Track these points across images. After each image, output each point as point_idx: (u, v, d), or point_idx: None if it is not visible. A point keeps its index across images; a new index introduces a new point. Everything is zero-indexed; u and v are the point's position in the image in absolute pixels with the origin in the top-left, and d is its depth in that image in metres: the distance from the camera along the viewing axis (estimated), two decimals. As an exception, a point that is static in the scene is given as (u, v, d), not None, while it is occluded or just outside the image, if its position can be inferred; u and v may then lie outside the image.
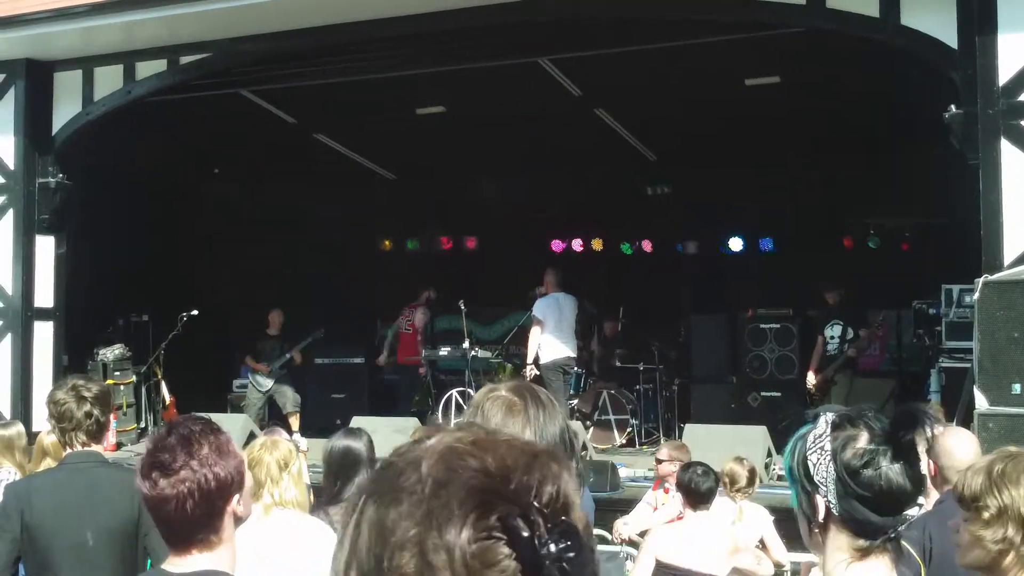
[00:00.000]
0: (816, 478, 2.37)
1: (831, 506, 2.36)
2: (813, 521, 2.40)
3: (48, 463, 6.46)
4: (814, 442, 2.39)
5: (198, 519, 2.81)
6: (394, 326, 16.41)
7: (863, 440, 2.36)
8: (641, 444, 13.75)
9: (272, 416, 14.77)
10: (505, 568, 1.03)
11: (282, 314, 15.29)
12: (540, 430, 2.41)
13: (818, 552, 2.44)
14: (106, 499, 4.51)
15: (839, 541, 2.37)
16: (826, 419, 2.41)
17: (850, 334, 12.70)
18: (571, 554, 1.04)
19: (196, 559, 2.84)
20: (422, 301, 16.29)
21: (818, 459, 2.38)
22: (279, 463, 4.78)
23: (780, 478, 10.90)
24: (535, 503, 1.06)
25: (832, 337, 12.83)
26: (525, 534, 1.03)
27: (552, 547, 1.03)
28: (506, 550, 1.03)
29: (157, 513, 2.84)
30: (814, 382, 12.75)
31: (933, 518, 4.31)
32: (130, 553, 4.48)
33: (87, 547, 4.40)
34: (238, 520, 2.95)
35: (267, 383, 14.84)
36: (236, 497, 2.90)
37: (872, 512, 2.33)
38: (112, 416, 12.49)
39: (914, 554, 4.01)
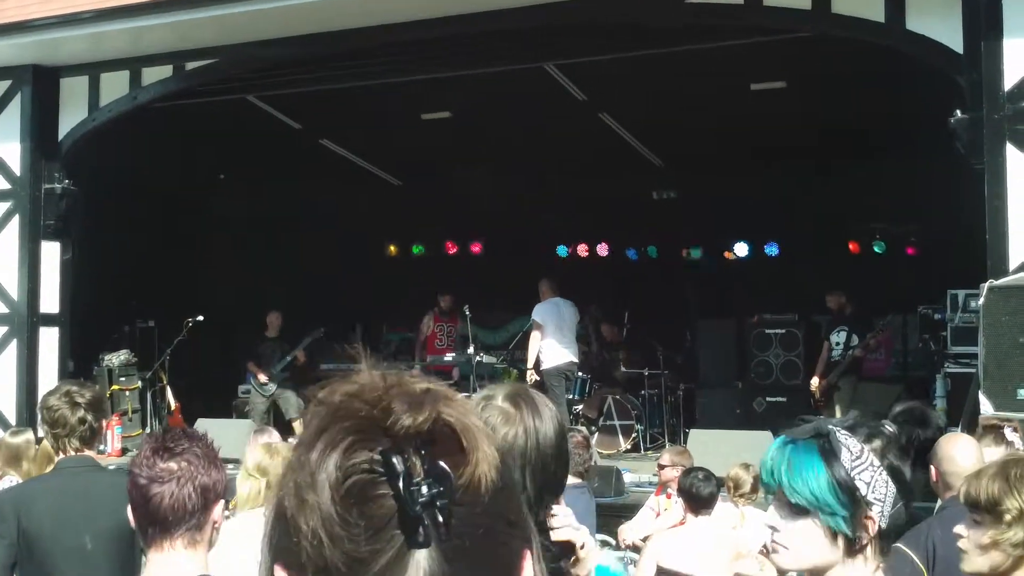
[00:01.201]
0: (871, 496, 2.36)
1: (881, 520, 2.38)
2: (860, 538, 2.37)
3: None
4: (855, 462, 2.37)
5: (191, 507, 2.84)
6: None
7: (891, 448, 2.40)
8: (646, 449, 13.74)
9: (276, 421, 14.76)
10: (382, 505, 1.00)
11: (280, 316, 15.25)
12: (536, 437, 2.39)
13: (837, 569, 2.41)
14: (103, 503, 4.51)
15: (869, 551, 2.40)
16: (848, 440, 2.40)
17: (855, 340, 12.69)
18: (443, 500, 0.99)
19: (180, 556, 2.84)
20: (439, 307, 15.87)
21: (872, 477, 2.37)
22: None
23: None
24: (415, 442, 1.02)
25: (837, 343, 12.83)
26: (399, 470, 1.00)
27: (424, 489, 0.99)
28: (385, 488, 1.00)
29: (149, 497, 2.85)
30: (817, 386, 12.75)
31: (936, 524, 4.29)
32: (128, 556, 4.48)
33: (86, 551, 4.40)
34: (216, 532, 2.97)
35: (270, 387, 14.84)
36: (221, 504, 2.96)
37: (906, 514, 2.40)
38: (107, 423, 12.55)
39: (917, 561, 4.01)
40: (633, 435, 13.79)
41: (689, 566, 6.44)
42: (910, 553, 4.14)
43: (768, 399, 13.95)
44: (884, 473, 2.39)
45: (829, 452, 2.39)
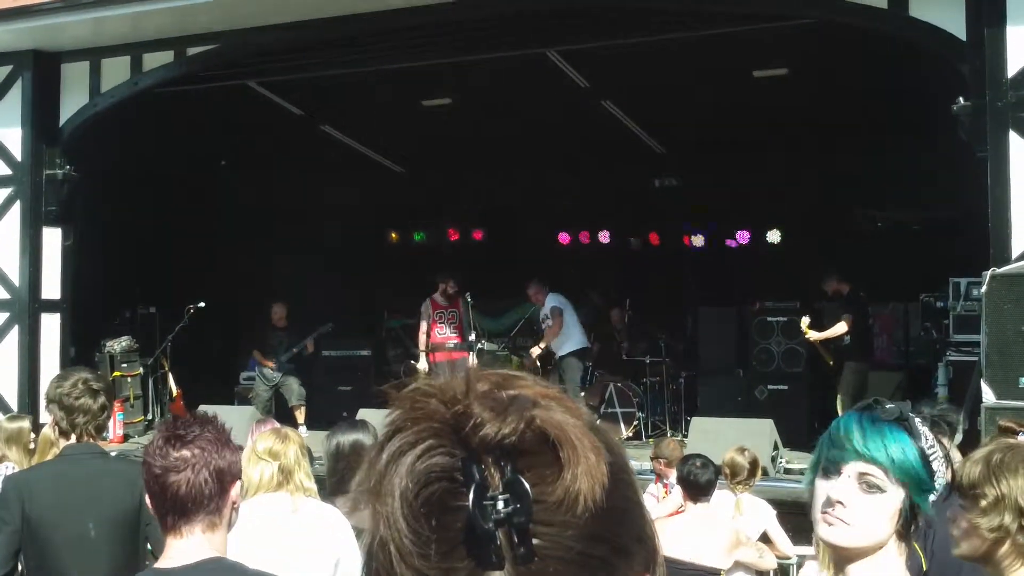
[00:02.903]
0: (937, 482, 2.43)
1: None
2: (919, 517, 2.43)
3: (55, 455, 6.46)
4: (930, 449, 2.42)
5: (208, 492, 2.87)
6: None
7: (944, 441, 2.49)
8: (648, 437, 13.74)
9: (279, 409, 14.79)
10: (458, 519, 0.91)
11: (285, 307, 15.24)
12: None
13: (880, 552, 2.44)
14: (107, 490, 4.53)
15: (909, 537, 2.46)
16: (923, 427, 2.45)
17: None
18: (521, 518, 0.89)
19: (198, 541, 2.86)
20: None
21: (939, 466, 2.43)
22: (300, 450, 4.88)
23: (787, 471, 10.91)
24: (496, 451, 0.92)
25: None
26: (476, 481, 0.90)
27: (500, 504, 0.89)
28: (464, 501, 0.90)
29: (166, 486, 2.87)
30: (807, 327, 12.91)
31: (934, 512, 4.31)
32: (131, 544, 4.50)
33: (89, 538, 4.41)
34: (234, 513, 2.99)
35: (274, 376, 14.85)
36: (238, 484, 2.98)
37: None
38: (117, 408, 12.57)
39: (916, 547, 4.01)
40: (635, 423, 13.80)
41: (688, 554, 6.45)
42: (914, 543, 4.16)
43: (770, 387, 13.94)
44: (944, 464, 2.45)
45: (913, 433, 2.42)
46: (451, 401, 0.95)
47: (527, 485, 0.90)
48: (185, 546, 2.87)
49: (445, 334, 14.42)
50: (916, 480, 2.38)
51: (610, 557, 0.95)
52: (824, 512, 2.45)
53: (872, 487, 2.39)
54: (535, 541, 0.90)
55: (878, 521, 2.40)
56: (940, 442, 2.49)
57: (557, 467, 0.93)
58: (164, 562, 2.92)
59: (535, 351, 13.81)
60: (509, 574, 0.90)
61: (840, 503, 2.41)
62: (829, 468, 2.45)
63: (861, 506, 2.40)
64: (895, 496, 2.39)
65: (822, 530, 2.47)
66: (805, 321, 12.88)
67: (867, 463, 2.38)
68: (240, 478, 3.03)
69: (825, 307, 13.85)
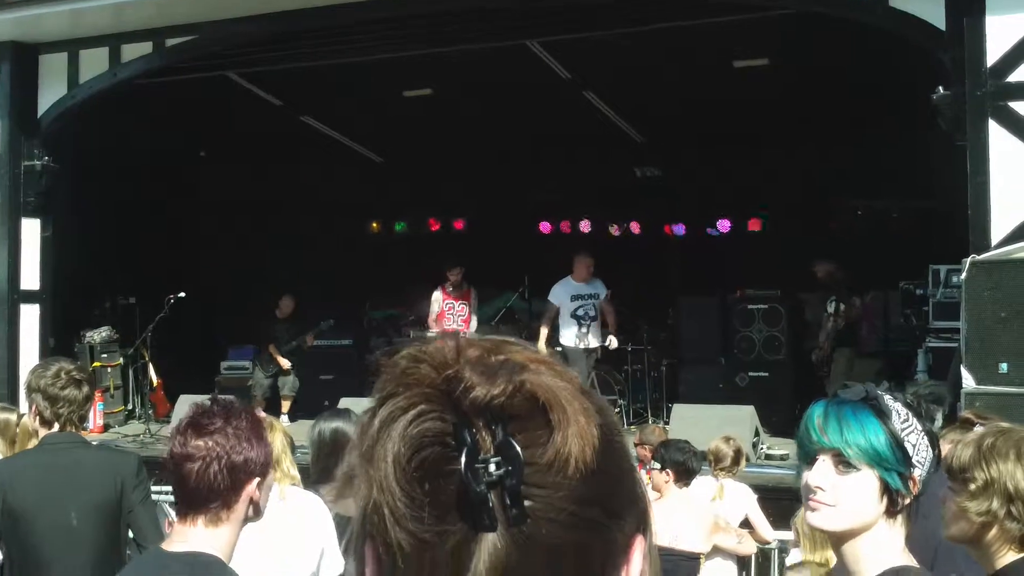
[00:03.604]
0: (915, 458, 2.42)
1: (920, 480, 2.45)
2: (903, 499, 2.44)
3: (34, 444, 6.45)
4: (903, 424, 2.43)
5: (216, 486, 2.83)
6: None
7: (927, 418, 2.50)
8: (629, 425, 13.76)
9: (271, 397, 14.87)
10: (452, 483, 0.91)
11: (293, 300, 15.24)
12: None
13: (871, 532, 2.46)
14: (89, 479, 4.53)
15: (901, 517, 2.46)
16: (896, 404, 2.46)
17: (841, 308, 12.74)
18: (512, 480, 0.89)
19: (198, 532, 2.85)
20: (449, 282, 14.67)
21: (916, 440, 2.43)
22: (285, 438, 4.91)
23: (768, 457, 10.96)
24: (487, 414, 0.92)
25: (830, 315, 12.89)
26: (467, 444, 0.90)
27: (492, 467, 0.90)
28: (456, 464, 0.90)
29: (179, 472, 2.85)
30: (818, 357, 12.89)
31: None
32: (114, 532, 4.50)
33: (71, 527, 4.41)
34: (256, 511, 2.96)
35: (274, 366, 14.94)
36: (257, 481, 2.92)
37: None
38: (98, 398, 12.54)
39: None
40: (616, 410, 13.81)
41: (667, 539, 6.48)
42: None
43: (751, 374, 13.99)
44: (925, 438, 2.46)
45: (882, 412, 2.44)
46: (441, 366, 0.96)
47: (518, 447, 0.91)
48: (186, 534, 2.86)
49: (451, 326, 14.14)
50: (879, 461, 2.40)
51: (602, 518, 0.96)
52: (808, 500, 2.49)
53: (848, 467, 2.42)
54: (527, 503, 0.91)
55: (860, 500, 2.43)
56: (929, 417, 2.51)
57: (548, 430, 0.93)
58: (167, 545, 2.92)
59: (614, 341, 13.45)
60: (502, 535, 0.90)
61: (819, 488, 2.45)
62: (807, 458, 2.49)
63: (841, 487, 2.43)
64: (870, 474, 2.42)
65: (809, 516, 2.52)
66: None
67: (846, 445, 2.42)
68: (262, 475, 2.93)
69: (808, 297, 13.92)
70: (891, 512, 2.44)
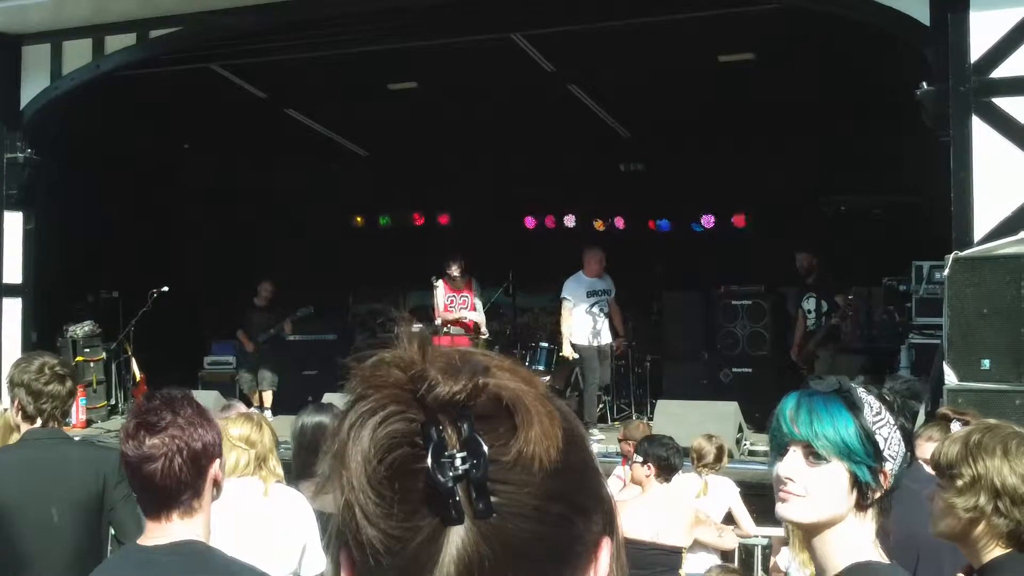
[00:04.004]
0: (887, 452, 2.43)
1: (892, 477, 2.45)
2: (873, 492, 2.43)
3: (15, 440, 6.41)
4: (875, 418, 2.44)
5: (183, 479, 2.82)
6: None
7: (901, 412, 2.49)
8: (613, 420, 13.79)
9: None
10: (419, 480, 0.93)
11: (272, 286, 15.20)
12: None
13: (843, 524, 2.46)
14: (71, 475, 4.51)
15: (872, 510, 2.46)
16: (868, 397, 2.47)
17: (824, 307, 12.66)
18: (478, 474, 0.92)
19: (174, 527, 2.84)
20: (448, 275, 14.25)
21: (888, 434, 2.44)
22: (273, 436, 4.92)
23: (752, 453, 10.98)
24: (452, 412, 0.95)
25: (809, 311, 12.82)
26: (434, 440, 0.93)
27: (457, 461, 0.92)
28: (423, 463, 0.93)
29: (141, 474, 2.83)
30: (797, 356, 12.75)
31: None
32: (95, 528, 4.48)
33: (52, 523, 4.39)
34: (217, 489, 2.96)
35: (253, 358, 14.93)
36: (217, 462, 2.93)
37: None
38: (80, 393, 12.47)
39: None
40: (600, 406, 13.82)
41: (649, 534, 6.49)
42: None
43: (734, 370, 14.02)
44: (898, 432, 2.46)
45: (853, 405, 2.44)
46: (407, 366, 0.99)
47: (483, 442, 0.94)
48: (164, 528, 2.85)
49: (462, 319, 13.94)
50: (848, 453, 2.41)
51: (568, 513, 0.99)
52: (779, 491, 2.49)
53: (818, 458, 2.42)
54: (493, 499, 0.94)
55: (830, 492, 2.43)
56: (905, 413, 2.51)
57: (512, 429, 0.96)
58: (144, 540, 2.90)
59: (618, 343, 13.24)
60: (469, 529, 0.93)
61: (790, 479, 2.45)
62: (779, 450, 2.50)
63: (811, 478, 2.44)
64: (840, 466, 2.42)
65: (779, 508, 2.52)
66: (794, 353, 12.88)
67: (815, 436, 2.42)
68: (220, 455, 2.94)
69: (789, 292, 13.93)
70: (861, 505, 2.45)
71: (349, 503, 0.96)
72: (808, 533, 2.51)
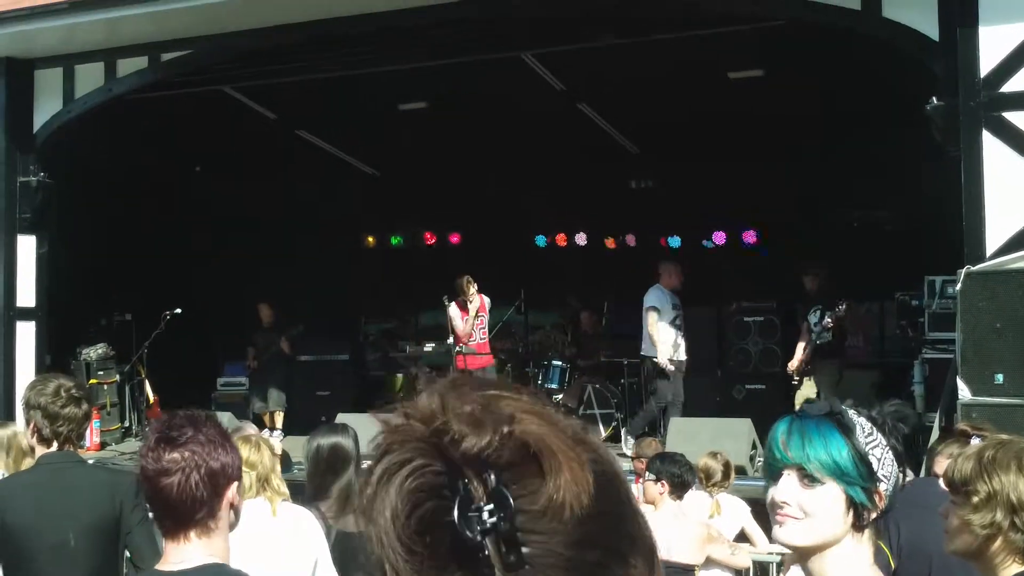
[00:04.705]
0: (880, 472, 2.44)
1: (886, 498, 2.46)
2: (868, 513, 2.44)
3: (28, 464, 6.41)
4: (867, 439, 2.45)
5: (199, 496, 2.81)
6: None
7: (893, 433, 2.51)
8: (626, 438, 13.76)
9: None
10: (448, 534, 0.92)
11: (269, 307, 15.27)
12: None
13: (839, 547, 2.46)
14: (87, 498, 4.50)
15: (868, 532, 2.46)
16: (859, 418, 2.48)
17: (827, 319, 12.48)
18: (506, 526, 0.90)
19: (193, 546, 2.83)
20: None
21: (881, 454, 2.45)
22: (272, 455, 4.93)
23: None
24: (477, 464, 0.94)
25: (815, 324, 12.69)
26: (460, 494, 0.92)
27: (485, 515, 0.91)
28: (451, 516, 0.92)
29: (157, 488, 2.82)
30: (795, 367, 12.61)
31: (898, 510, 4.33)
32: (111, 552, 4.47)
33: (68, 547, 4.38)
34: (235, 514, 2.95)
35: (258, 376, 15.02)
36: (235, 485, 2.92)
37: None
38: (94, 415, 12.51)
39: (883, 546, 4.05)
40: (613, 424, 13.81)
41: (662, 552, 6.46)
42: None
43: (747, 387, 14.00)
44: (890, 452, 2.47)
45: (845, 427, 2.45)
46: (429, 419, 0.97)
47: (509, 494, 0.92)
48: (181, 550, 2.84)
49: (476, 340, 13.64)
50: (841, 475, 2.41)
51: (604, 560, 0.96)
52: (775, 515, 2.50)
53: (812, 481, 2.43)
54: (525, 549, 0.92)
55: (825, 514, 2.44)
56: (895, 434, 2.52)
57: (540, 477, 0.94)
58: (163, 566, 2.89)
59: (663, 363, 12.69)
60: None
61: (785, 503, 2.46)
62: (773, 475, 2.51)
63: (806, 501, 2.44)
64: (834, 488, 2.43)
65: (776, 532, 2.53)
66: (792, 364, 12.65)
67: (808, 460, 2.43)
68: (238, 479, 2.93)
69: (800, 309, 13.90)
70: (857, 527, 2.45)
71: (379, 559, 0.95)
72: (805, 556, 2.51)
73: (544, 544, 0.93)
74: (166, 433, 2.85)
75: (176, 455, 2.81)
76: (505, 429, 0.95)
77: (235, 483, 2.91)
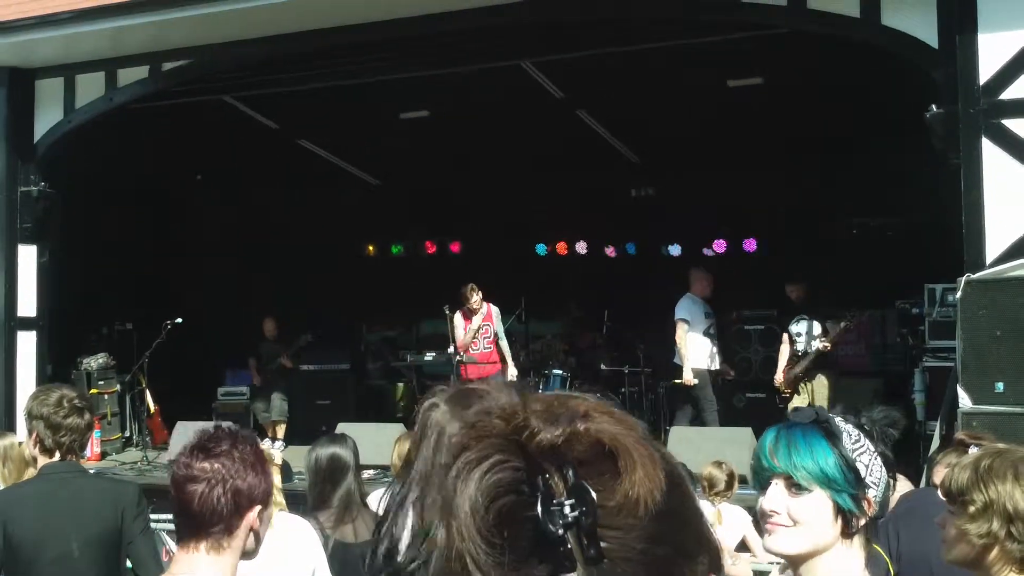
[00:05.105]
0: (868, 479, 2.45)
1: (875, 504, 2.47)
2: (857, 519, 2.45)
3: (31, 474, 6.41)
4: (855, 445, 2.46)
5: (220, 510, 2.82)
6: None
7: (881, 440, 2.52)
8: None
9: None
10: (529, 528, 0.94)
11: (275, 321, 15.29)
12: None
13: (829, 554, 2.46)
14: (90, 509, 4.50)
15: (858, 538, 2.47)
16: (847, 425, 2.49)
17: (816, 329, 12.37)
18: (587, 521, 0.92)
19: (201, 559, 2.83)
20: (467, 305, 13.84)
21: (869, 461, 2.46)
22: (271, 464, 4.91)
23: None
24: (556, 459, 0.96)
25: (799, 334, 12.57)
26: (539, 489, 0.94)
27: (566, 509, 0.92)
28: (533, 510, 0.93)
29: (181, 494, 2.84)
30: (781, 380, 12.51)
31: (896, 516, 4.33)
32: (114, 562, 4.48)
33: (72, 558, 4.39)
34: (256, 541, 2.95)
35: (263, 387, 15.03)
36: (258, 510, 2.91)
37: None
38: (95, 425, 12.50)
39: (882, 553, 4.05)
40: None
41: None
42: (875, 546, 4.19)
43: (748, 395, 13.98)
44: (879, 459, 2.48)
45: (832, 435, 2.46)
46: (510, 416, 0.99)
47: (588, 487, 0.94)
48: (189, 560, 2.84)
49: (479, 350, 13.52)
50: (828, 482, 2.43)
51: (673, 556, 1.00)
52: (765, 524, 2.52)
53: (800, 489, 2.45)
54: (602, 544, 0.94)
55: (815, 521, 2.45)
56: (885, 440, 2.53)
57: (615, 474, 0.97)
58: (168, 574, 2.90)
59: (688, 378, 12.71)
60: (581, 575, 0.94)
61: (774, 511, 2.48)
62: (762, 484, 2.53)
63: (795, 508, 2.46)
64: (822, 495, 2.44)
65: (766, 540, 2.55)
66: (778, 377, 12.52)
67: (795, 469, 2.45)
68: (264, 505, 2.92)
69: (782, 319, 13.90)
70: (847, 533, 2.46)
71: (459, 553, 0.95)
72: (796, 564, 2.52)
73: (620, 539, 0.96)
74: (203, 442, 2.88)
75: (206, 464, 2.83)
76: (580, 426, 0.98)
77: (259, 507, 2.90)
